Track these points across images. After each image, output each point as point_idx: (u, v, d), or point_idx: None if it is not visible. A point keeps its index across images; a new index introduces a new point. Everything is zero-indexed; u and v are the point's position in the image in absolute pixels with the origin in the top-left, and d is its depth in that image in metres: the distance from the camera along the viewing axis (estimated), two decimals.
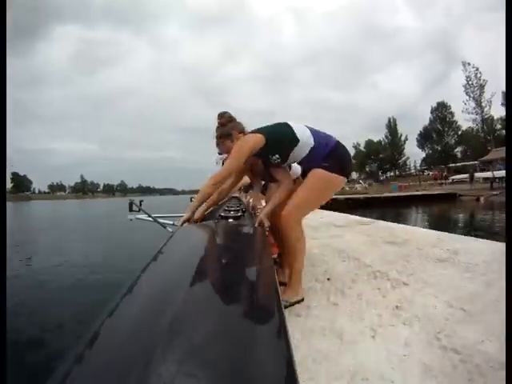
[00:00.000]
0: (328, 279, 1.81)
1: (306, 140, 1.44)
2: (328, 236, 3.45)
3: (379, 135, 46.43)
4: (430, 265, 2.05)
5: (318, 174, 1.43)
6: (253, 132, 1.46)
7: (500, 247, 2.45)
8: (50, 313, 2.07)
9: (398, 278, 1.77)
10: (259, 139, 1.40)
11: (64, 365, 0.47)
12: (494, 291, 1.50)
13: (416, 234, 3.41)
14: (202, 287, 0.73)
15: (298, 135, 1.43)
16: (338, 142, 1.51)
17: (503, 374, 0.83)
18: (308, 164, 1.51)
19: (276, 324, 0.59)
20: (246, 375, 0.43)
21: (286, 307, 1.44)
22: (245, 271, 0.93)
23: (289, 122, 1.48)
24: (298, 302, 1.48)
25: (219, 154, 1.85)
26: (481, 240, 2.92)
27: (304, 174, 1.59)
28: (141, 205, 3.44)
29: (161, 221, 3.27)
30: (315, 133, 1.48)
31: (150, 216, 3.42)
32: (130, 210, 3.44)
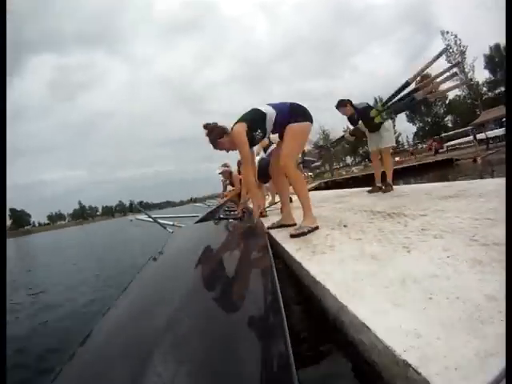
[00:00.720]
0: (345, 226, 1.76)
1: (270, 112, 1.92)
2: (334, 202, 3.42)
3: None
4: (442, 201, 2.00)
5: (291, 128, 1.90)
6: (235, 124, 1.91)
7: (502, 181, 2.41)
8: (49, 313, 2.08)
9: (414, 213, 1.72)
10: (243, 125, 1.86)
11: (64, 364, 0.48)
12: None
13: (421, 186, 3.40)
14: (201, 287, 0.73)
15: (263, 110, 1.92)
16: (291, 103, 2.00)
17: None
18: (280, 128, 1.96)
19: (276, 323, 0.60)
20: (246, 375, 0.43)
21: (309, 232, 1.72)
22: (245, 271, 0.93)
23: (254, 107, 1.99)
24: (316, 228, 1.81)
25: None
26: (487, 179, 2.90)
27: (281, 137, 2.01)
28: (141, 205, 3.46)
29: (161, 221, 3.27)
30: (273, 104, 1.98)
31: (150, 217, 3.44)
32: (131, 210, 3.45)
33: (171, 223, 3.26)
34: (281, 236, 1.80)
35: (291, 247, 1.43)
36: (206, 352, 0.48)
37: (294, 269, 1.24)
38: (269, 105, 1.99)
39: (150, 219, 3.43)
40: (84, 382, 0.45)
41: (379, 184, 3.65)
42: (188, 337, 0.52)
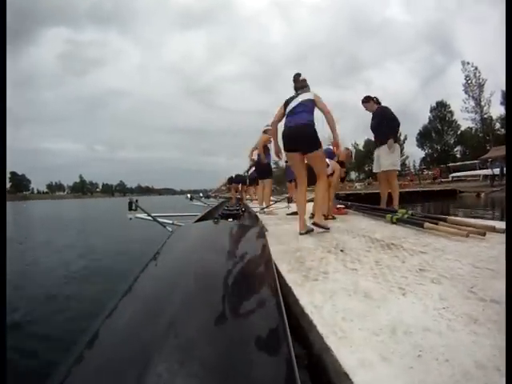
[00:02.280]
0: (341, 251, 1.73)
1: None
2: (334, 220, 3.39)
3: None
4: (444, 239, 1.98)
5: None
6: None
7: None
8: (47, 313, 2.03)
9: (414, 248, 1.70)
10: None
11: (64, 364, 0.47)
12: None
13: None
14: (202, 287, 0.72)
15: None
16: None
17: None
18: None
19: (276, 323, 0.60)
20: (246, 375, 0.43)
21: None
22: (245, 270, 0.93)
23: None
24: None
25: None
26: (492, 221, 2.87)
27: None
28: (136, 202, 3.47)
29: (160, 220, 3.27)
30: None
31: (149, 215, 3.39)
32: (130, 209, 3.39)
33: (171, 222, 3.27)
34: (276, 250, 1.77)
35: (284, 268, 1.40)
36: (207, 352, 0.48)
37: (284, 291, 1.21)
38: None
39: (150, 218, 3.41)
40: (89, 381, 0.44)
41: (384, 206, 3.63)
42: (190, 335, 0.52)
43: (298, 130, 2.37)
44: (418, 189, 16.01)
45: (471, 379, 0.58)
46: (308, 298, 1.00)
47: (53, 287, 2.64)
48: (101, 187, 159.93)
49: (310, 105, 2.43)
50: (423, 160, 40.26)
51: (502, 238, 1.85)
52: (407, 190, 16.25)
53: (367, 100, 3.71)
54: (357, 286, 1.11)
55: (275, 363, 0.48)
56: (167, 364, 0.43)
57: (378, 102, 3.71)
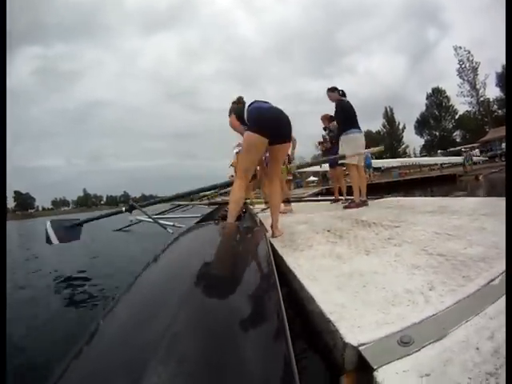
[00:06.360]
0: (328, 231, 2.00)
1: None
2: (324, 210, 3.65)
3: (374, 124, 46.19)
4: (420, 215, 2.23)
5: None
6: None
7: (485, 201, 2.63)
8: (46, 313, 2.01)
9: (390, 224, 1.95)
10: None
11: (63, 365, 0.48)
12: (478, 223, 1.64)
13: (412, 200, 3.62)
14: (202, 287, 0.74)
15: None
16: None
17: (483, 264, 0.98)
18: None
19: (277, 323, 0.61)
20: (246, 376, 0.45)
21: None
22: (245, 272, 0.95)
23: None
24: None
25: None
26: (471, 198, 3.12)
27: None
28: (137, 203, 3.46)
29: (161, 222, 3.31)
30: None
31: (150, 217, 3.48)
32: (131, 210, 3.44)
33: (171, 224, 3.34)
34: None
35: (278, 245, 1.68)
36: (208, 353, 0.49)
37: (278, 261, 1.48)
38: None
39: (150, 220, 3.48)
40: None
41: (357, 198, 3.62)
42: (191, 337, 0.52)
43: (281, 113, 1.98)
44: (418, 177, 16.16)
45: (398, 299, 0.83)
46: (294, 261, 1.29)
47: (53, 287, 2.58)
48: (105, 199, 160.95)
49: None
50: (424, 147, 40.35)
51: (473, 211, 2.10)
52: (408, 178, 16.44)
53: (332, 90, 3.76)
54: (332, 252, 1.38)
55: (276, 365, 0.50)
56: (168, 366, 0.44)
57: (343, 94, 3.76)
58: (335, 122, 4.20)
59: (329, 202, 4.92)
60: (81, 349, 0.52)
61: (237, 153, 4.51)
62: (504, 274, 0.87)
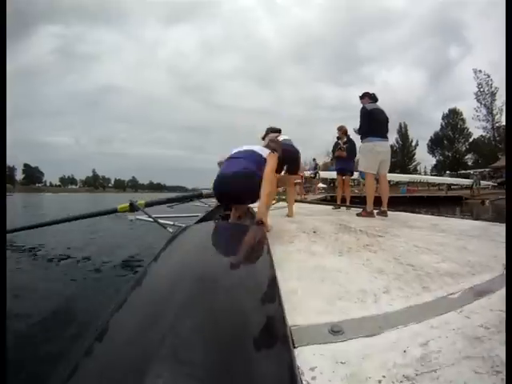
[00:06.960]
0: (314, 232, 2.05)
1: None
2: (326, 214, 3.71)
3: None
4: (407, 229, 2.27)
5: None
6: None
7: (478, 224, 2.64)
8: (46, 313, 2.00)
9: (375, 233, 2.00)
10: None
11: (64, 365, 0.49)
12: (461, 243, 1.65)
13: (407, 215, 3.64)
14: (202, 287, 0.74)
15: None
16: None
17: (449, 279, 1.00)
18: None
19: (277, 324, 0.61)
20: (246, 376, 0.45)
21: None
22: (245, 271, 0.96)
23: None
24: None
25: None
26: (466, 220, 3.13)
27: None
28: (136, 202, 3.51)
29: (161, 221, 3.32)
30: None
31: (150, 216, 3.47)
32: (131, 210, 3.51)
33: (171, 223, 3.34)
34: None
35: None
36: (207, 352, 0.49)
37: None
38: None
39: (151, 219, 3.48)
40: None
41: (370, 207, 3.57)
42: (191, 337, 0.53)
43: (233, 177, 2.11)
44: (424, 194, 16.07)
45: (349, 295, 0.88)
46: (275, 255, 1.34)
47: (52, 287, 2.59)
48: (113, 182, 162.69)
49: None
50: (435, 167, 39.96)
51: (462, 232, 2.13)
52: (413, 195, 16.33)
53: (362, 97, 3.66)
54: (309, 249, 1.46)
55: (277, 367, 0.49)
56: (172, 366, 0.45)
57: (373, 97, 3.60)
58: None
59: (331, 207, 4.99)
60: (90, 347, 0.53)
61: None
62: (465, 290, 0.90)
